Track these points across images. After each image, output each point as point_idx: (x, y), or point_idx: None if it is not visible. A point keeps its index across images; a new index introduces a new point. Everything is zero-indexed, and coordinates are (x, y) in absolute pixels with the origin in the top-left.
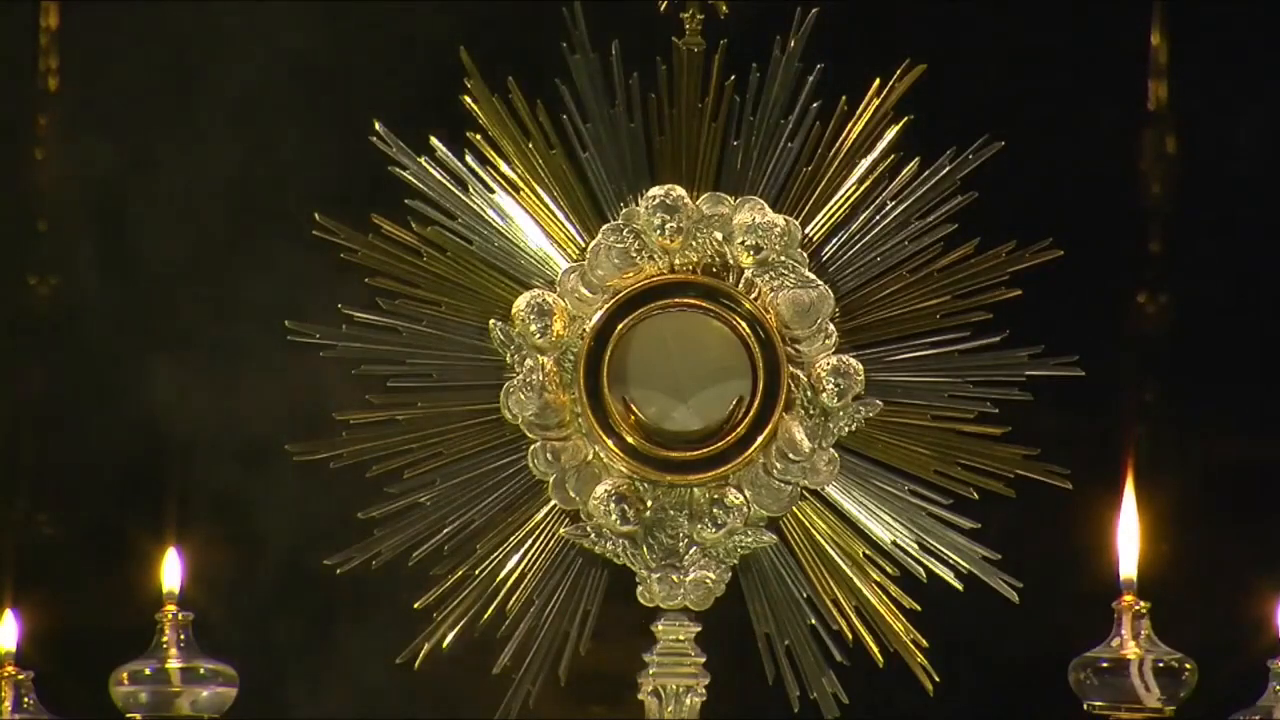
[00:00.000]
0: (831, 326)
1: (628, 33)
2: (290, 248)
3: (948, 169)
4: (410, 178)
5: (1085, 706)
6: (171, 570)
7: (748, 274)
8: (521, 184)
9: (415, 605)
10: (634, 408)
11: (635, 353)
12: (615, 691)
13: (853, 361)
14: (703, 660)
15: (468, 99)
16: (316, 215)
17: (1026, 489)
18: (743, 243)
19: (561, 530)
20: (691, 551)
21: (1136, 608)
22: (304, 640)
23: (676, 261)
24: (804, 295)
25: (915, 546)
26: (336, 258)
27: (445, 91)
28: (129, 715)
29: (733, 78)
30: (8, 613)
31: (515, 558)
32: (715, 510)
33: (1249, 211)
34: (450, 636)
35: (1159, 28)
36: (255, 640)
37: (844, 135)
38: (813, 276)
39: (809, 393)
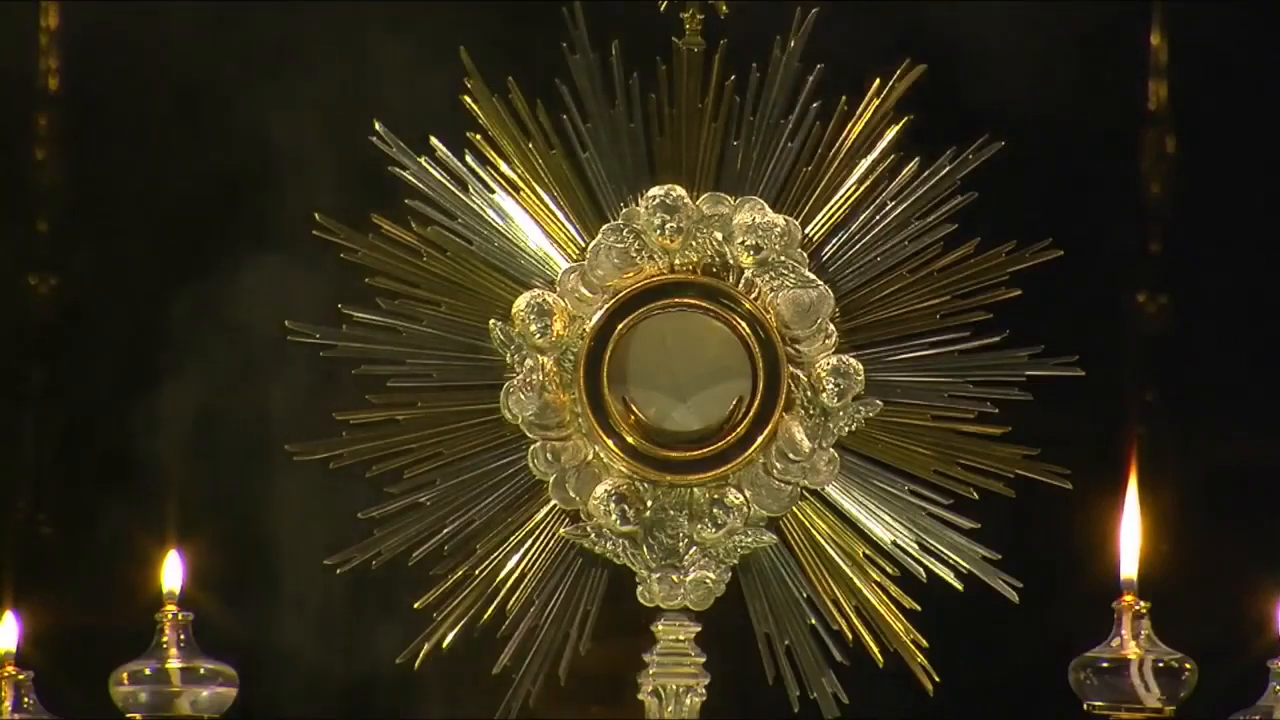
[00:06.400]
0: (831, 326)
1: (628, 33)
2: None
3: (948, 169)
4: (410, 178)
5: (1085, 706)
6: (171, 570)
7: (748, 274)
8: (521, 184)
9: (415, 605)
10: (634, 408)
11: (635, 353)
12: (615, 691)
13: (853, 361)
14: (703, 660)
15: (468, 99)
16: (316, 215)
17: (1026, 489)
18: (743, 243)
19: (561, 530)
20: (691, 551)
21: (1136, 608)
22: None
23: (676, 261)
24: (804, 295)
25: (915, 546)
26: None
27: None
28: (129, 715)
29: (733, 78)
30: (8, 613)
31: (515, 558)
32: (715, 510)
33: (1249, 211)
34: (450, 636)
35: (1159, 28)
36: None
37: (844, 135)
38: (813, 276)
39: (809, 393)
